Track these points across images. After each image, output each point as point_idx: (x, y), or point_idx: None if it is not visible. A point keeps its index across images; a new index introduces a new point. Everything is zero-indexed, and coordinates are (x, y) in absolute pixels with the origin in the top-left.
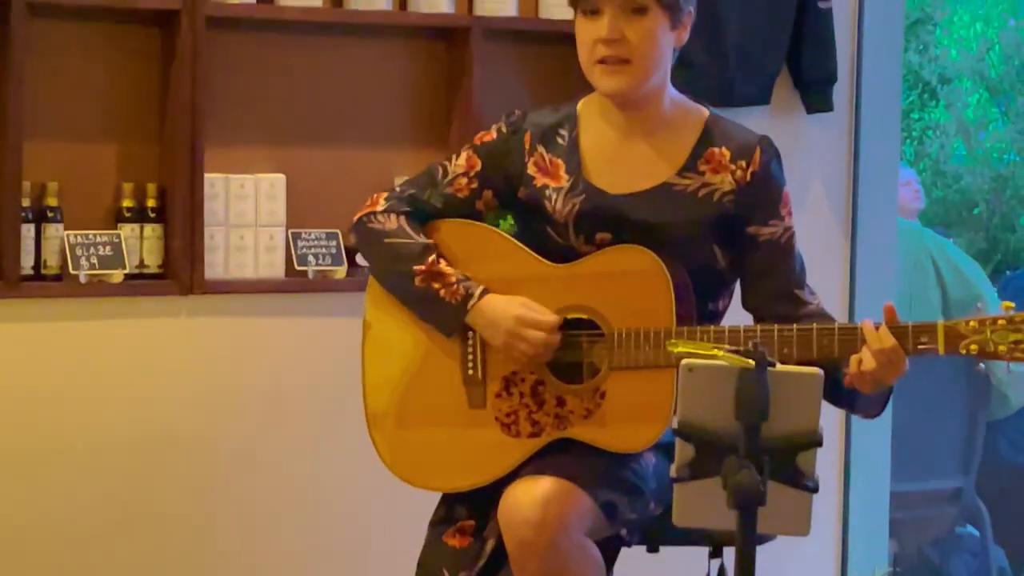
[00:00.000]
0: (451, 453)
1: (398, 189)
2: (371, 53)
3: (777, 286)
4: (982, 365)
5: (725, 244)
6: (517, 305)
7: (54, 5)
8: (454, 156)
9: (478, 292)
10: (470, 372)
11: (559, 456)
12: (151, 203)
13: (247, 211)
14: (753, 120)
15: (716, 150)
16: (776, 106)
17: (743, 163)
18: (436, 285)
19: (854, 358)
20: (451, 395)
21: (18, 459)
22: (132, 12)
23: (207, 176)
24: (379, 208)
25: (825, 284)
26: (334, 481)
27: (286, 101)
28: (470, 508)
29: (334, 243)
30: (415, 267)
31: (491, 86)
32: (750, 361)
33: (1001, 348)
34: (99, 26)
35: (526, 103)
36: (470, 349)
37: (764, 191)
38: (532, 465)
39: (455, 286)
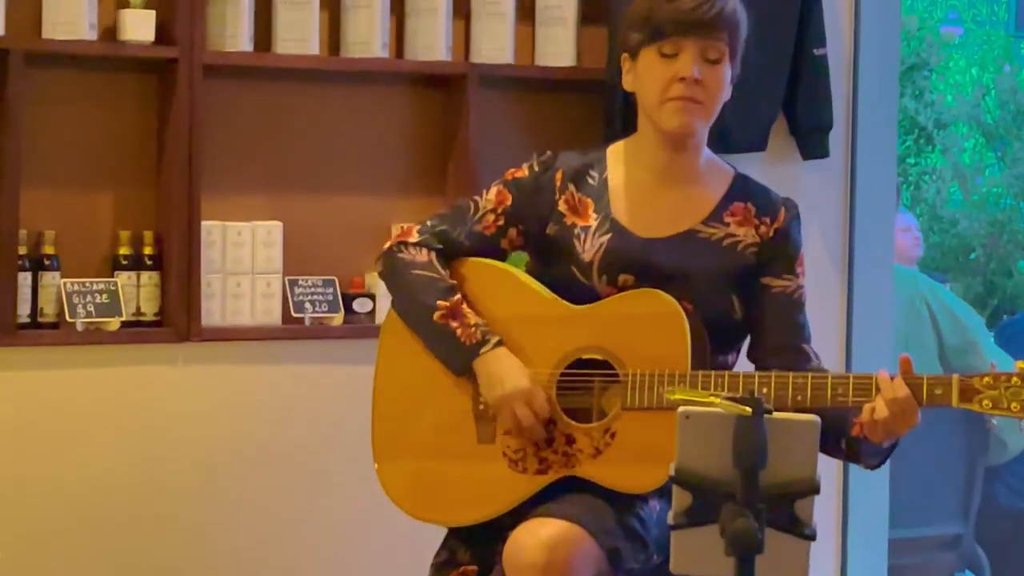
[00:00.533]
0: (456, 487)
1: (429, 223)
2: (368, 100)
3: (783, 338)
4: (994, 421)
5: (742, 294)
6: (526, 377)
7: (51, 54)
8: (484, 191)
9: (493, 341)
10: (481, 407)
11: (566, 499)
12: (148, 251)
13: (244, 258)
14: (750, 166)
15: (742, 204)
16: (772, 152)
17: (767, 219)
18: (454, 324)
19: (867, 407)
20: (460, 430)
21: (14, 506)
22: (129, 60)
23: (204, 223)
24: (412, 240)
25: (821, 330)
26: (332, 528)
27: (283, 148)
28: (473, 552)
29: (331, 290)
30: (439, 301)
31: (488, 133)
32: (747, 408)
33: (1014, 405)
34: (96, 75)
35: (523, 150)
36: None
37: (784, 247)
38: (539, 508)
39: (473, 329)
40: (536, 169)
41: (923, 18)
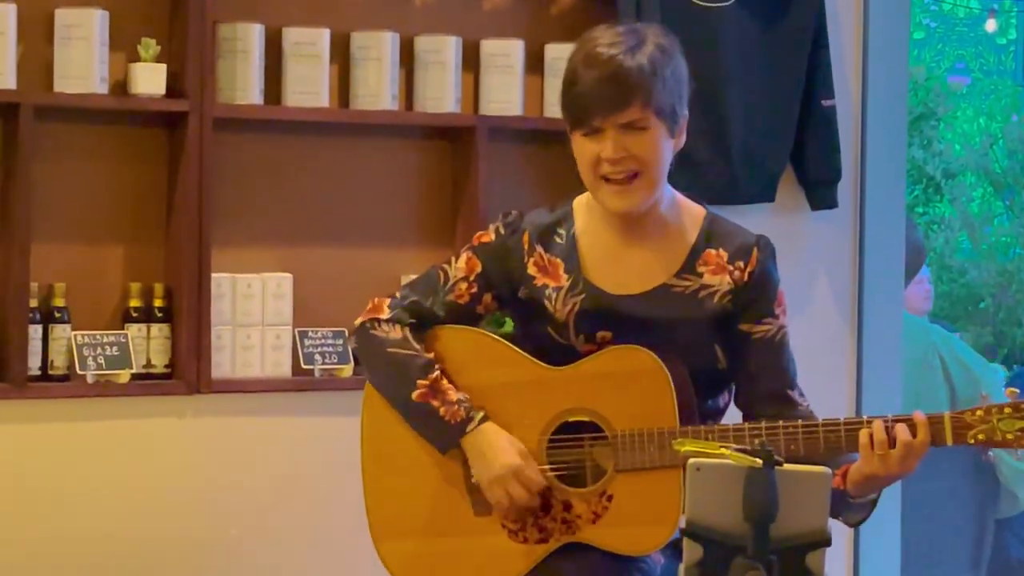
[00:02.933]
0: (460, 563)
1: (399, 296)
2: (377, 153)
3: (769, 386)
4: (991, 454)
5: (724, 343)
6: (515, 453)
7: (62, 107)
8: (453, 259)
9: (478, 417)
10: (474, 480)
11: (566, 563)
12: (158, 303)
13: (254, 310)
14: (758, 218)
15: (714, 252)
16: (781, 203)
17: (741, 263)
18: (435, 403)
19: (864, 459)
20: (455, 503)
21: (25, 559)
22: (139, 114)
23: (214, 276)
24: (383, 316)
25: (831, 382)
26: None
27: (293, 201)
28: None
29: (341, 342)
30: (418, 380)
31: (497, 185)
32: (757, 460)
33: (1009, 436)
34: (107, 128)
35: (532, 201)
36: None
37: (760, 291)
38: (537, 566)
39: (455, 406)
40: (503, 232)
41: (930, 68)
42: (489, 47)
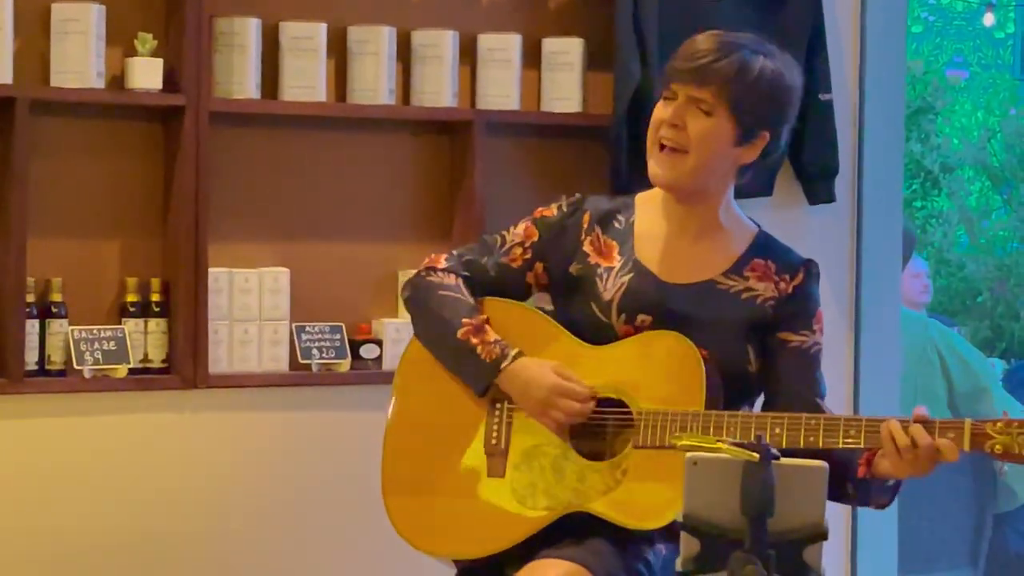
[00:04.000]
0: (463, 520)
1: (456, 253)
2: (374, 147)
3: (798, 393)
4: (1006, 468)
5: (757, 347)
6: (551, 372)
7: (58, 102)
8: (512, 226)
9: (512, 353)
10: (493, 441)
11: (573, 539)
12: (155, 298)
13: (251, 305)
14: (756, 211)
15: (762, 261)
16: (778, 197)
17: (787, 276)
18: (475, 340)
19: (881, 458)
20: (470, 464)
21: (22, 554)
22: (136, 108)
23: (211, 270)
24: (440, 266)
25: (829, 375)
26: (341, 573)
27: (290, 195)
28: None
29: (338, 337)
30: (464, 319)
31: (494, 179)
32: (754, 454)
33: None
34: (103, 123)
35: (529, 196)
36: (495, 421)
37: (802, 305)
38: (544, 549)
39: (492, 345)
40: (564, 210)
41: (929, 62)
42: (486, 41)
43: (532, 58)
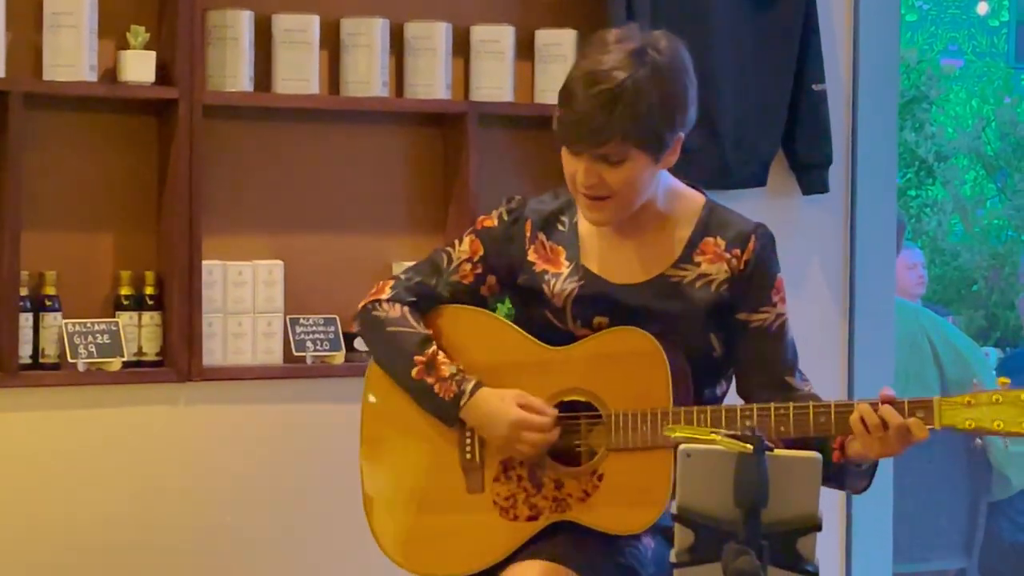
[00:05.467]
0: (450, 538)
1: (403, 277)
2: (368, 139)
3: (768, 374)
4: (979, 441)
5: (721, 331)
6: (512, 405)
7: (51, 95)
8: (456, 242)
9: (469, 388)
10: (468, 457)
11: (555, 539)
12: (149, 291)
13: (245, 298)
14: (750, 202)
15: (711, 240)
16: (772, 188)
17: (738, 251)
18: (430, 380)
19: (853, 442)
20: (449, 480)
21: (16, 546)
22: (129, 101)
23: (205, 263)
24: (384, 296)
25: (823, 365)
26: (334, 567)
27: (283, 188)
28: None
29: (332, 329)
30: (415, 357)
31: (488, 171)
32: (748, 446)
33: (997, 424)
34: (96, 116)
35: (523, 187)
36: (468, 435)
37: (757, 279)
38: (528, 548)
39: (448, 382)
40: (505, 218)
41: (923, 50)
42: (479, 33)
43: (525, 50)
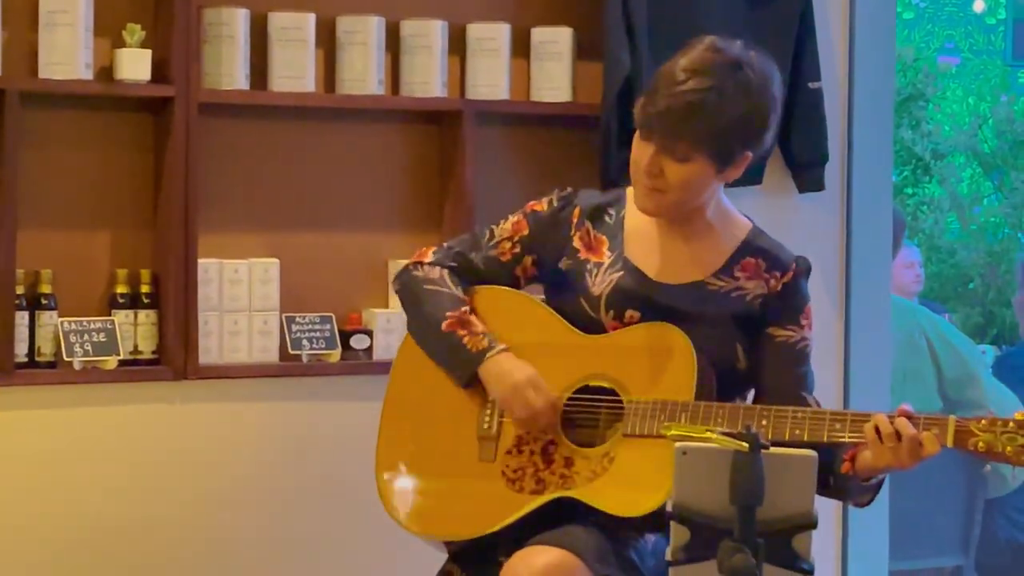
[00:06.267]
0: (452, 502)
1: (445, 246)
2: (364, 137)
3: (786, 387)
4: (988, 467)
5: (747, 343)
6: (530, 369)
7: (47, 94)
8: (502, 220)
9: (499, 347)
10: (485, 427)
11: (562, 528)
12: (145, 289)
13: (241, 296)
14: (746, 200)
15: (753, 260)
16: (768, 186)
17: (777, 274)
18: (462, 332)
19: (865, 451)
20: (462, 448)
21: (11, 545)
22: (125, 100)
23: (200, 261)
24: (426, 260)
25: (819, 364)
26: (330, 563)
27: (279, 186)
28: None
29: (328, 327)
30: (448, 312)
31: (484, 169)
32: (744, 444)
33: (1008, 450)
34: (92, 114)
35: (519, 185)
36: (488, 407)
37: (790, 301)
38: (535, 536)
39: (480, 336)
40: (555, 204)
41: (920, 48)
42: (475, 31)
43: (521, 48)
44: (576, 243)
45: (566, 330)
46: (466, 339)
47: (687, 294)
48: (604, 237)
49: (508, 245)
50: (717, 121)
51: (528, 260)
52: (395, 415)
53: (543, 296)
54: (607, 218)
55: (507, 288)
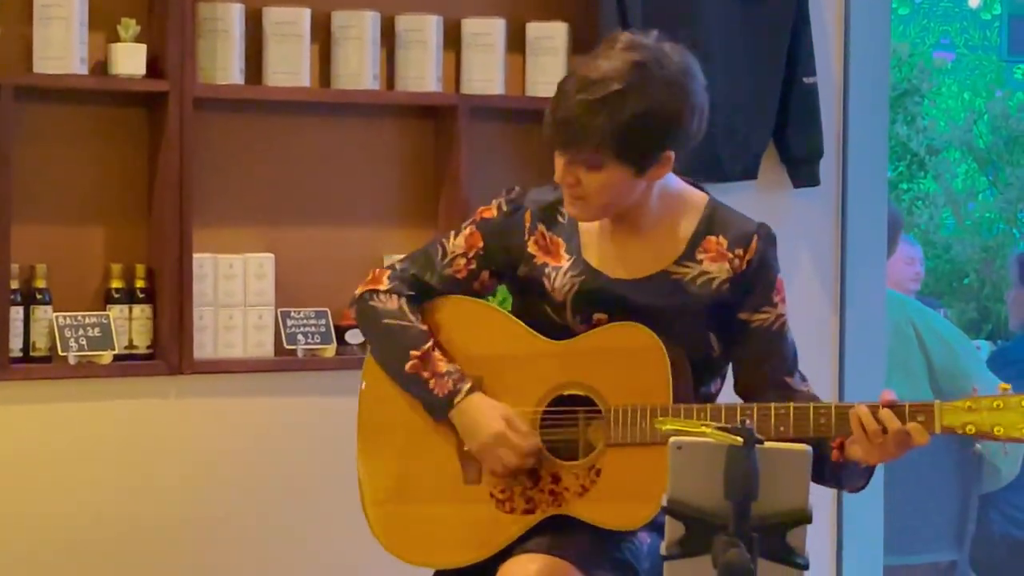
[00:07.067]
0: (445, 529)
1: (399, 268)
2: (359, 132)
3: (767, 374)
4: (978, 446)
5: (719, 331)
6: (499, 419)
7: (41, 88)
8: (452, 234)
9: (465, 389)
10: (466, 448)
11: (553, 534)
12: (140, 284)
13: (236, 291)
14: (741, 195)
15: (714, 239)
16: (763, 181)
17: (740, 251)
18: (426, 374)
19: (853, 443)
20: (446, 471)
21: (5, 540)
22: (120, 94)
23: (195, 256)
24: (382, 287)
25: (814, 358)
26: (325, 560)
27: (274, 180)
28: None
29: (323, 322)
30: (411, 351)
31: (479, 164)
32: (738, 438)
33: (997, 429)
34: (87, 109)
35: (514, 180)
36: None
37: (759, 278)
38: (525, 543)
39: (444, 378)
40: (504, 209)
41: (915, 44)
42: (470, 26)
43: (516, 42)
44: (531, 248)
45: (532, 337)
46: (431, 382)
47: (651, 287)
48: (560, 239)
49: (463, 261)
50: (619, 123)
51: (485, 274)
52: (372, 444)
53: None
54: (560, 218)
55: (468, 298)
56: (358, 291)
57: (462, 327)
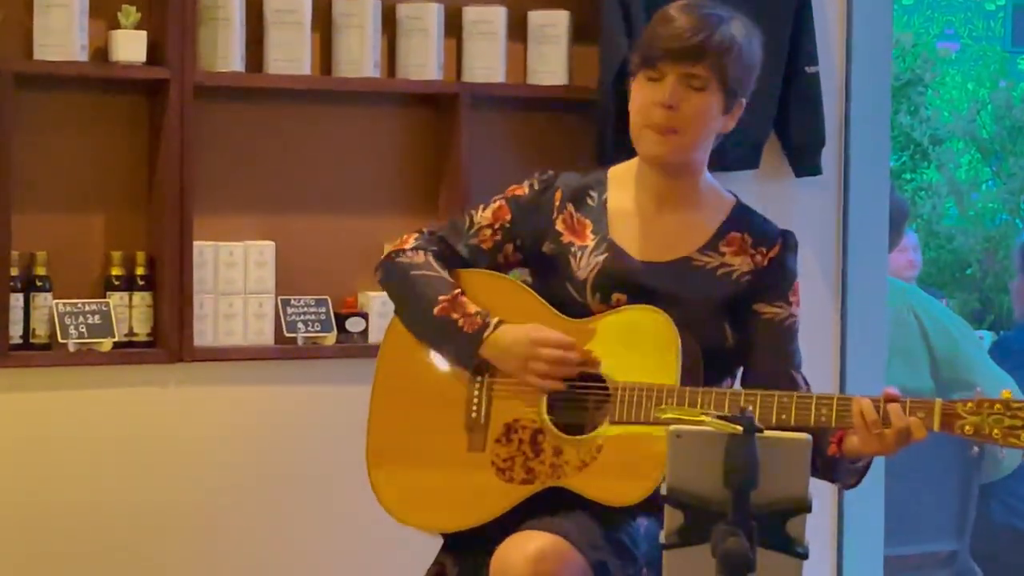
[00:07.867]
0: (443, 493)
1: (426, 231)
2: (360, 120)
3: (772, 365)
4: (976, 448)
5: (735, 322)
6: (530, 328)
7: (42, 75)
8: (481, 207)
9: (494, 322)
10: (473, 416)
11: (554, 512)
12: (140, 271)
13: (236, 279)
14: (742, 184)
15: (738, 235)
16: (765, 170)
17: (763, 249)
18: (455, 315)
19: (852, 437)
20: (451, 438)
21: (5, 528)
22: (120, 81)
23: (196, 244)
24: (408, 245)
25: (815, 347)
26: (325, 547)
27: (275, 168)
28: (462, 567)
29: (324, 310)
30: (440, 296)
31: (480, 152)
32: (738, 427)
33: (995, 432)
34: (87, 96)
35: (515, 168)
36: (476, 394)
37: (778, 277)
38: (526, 522)
39: (473, 317)
40: (536, 187)
41: (919, 34)
42: (472, 14)
43: (518, 31)
44: (559, 226)
45: (550, 313)
46: (461, 321)
47: (673, 272)
48: (588, 220)
49: (489, 232)
50: (732, 46)
51: (509, 247)
52: (384, 404)
53: (530, 279)
54: (589, 200)
55: (490, 272)
56: (384, 254)
57: (482, 298)
